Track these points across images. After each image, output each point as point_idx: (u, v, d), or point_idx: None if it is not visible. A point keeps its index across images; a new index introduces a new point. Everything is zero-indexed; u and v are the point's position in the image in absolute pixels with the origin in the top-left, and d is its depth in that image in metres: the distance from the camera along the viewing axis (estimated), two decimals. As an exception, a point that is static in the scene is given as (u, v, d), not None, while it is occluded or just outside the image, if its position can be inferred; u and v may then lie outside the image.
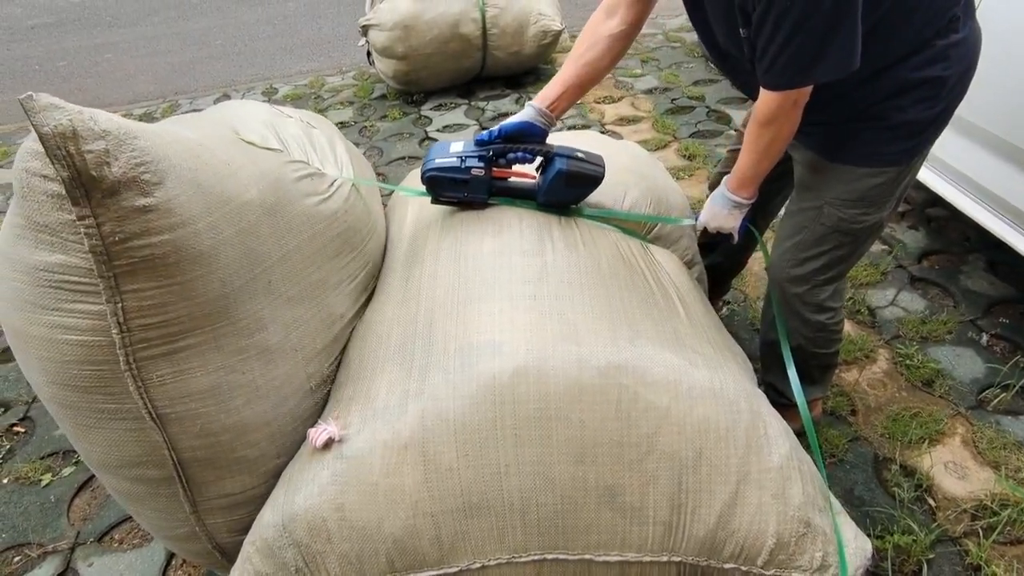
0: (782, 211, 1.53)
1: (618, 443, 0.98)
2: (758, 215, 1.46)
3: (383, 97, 3.84)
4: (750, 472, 0.98)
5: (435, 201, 1.34)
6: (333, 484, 0.97)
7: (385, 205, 1.67)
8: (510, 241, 1.23)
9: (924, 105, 1.14)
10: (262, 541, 0.99)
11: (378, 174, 2.98)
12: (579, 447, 0.97)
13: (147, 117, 3.92)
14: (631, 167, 1.55)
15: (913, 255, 2.24)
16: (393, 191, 1.78)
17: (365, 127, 3.52)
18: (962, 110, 1.97)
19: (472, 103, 3.68)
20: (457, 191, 1.30)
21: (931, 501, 1.48)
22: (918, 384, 1.76)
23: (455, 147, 1.29)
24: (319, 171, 1.28)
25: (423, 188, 1.33)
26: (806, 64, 1.02)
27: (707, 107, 3.39)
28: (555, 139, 1.60)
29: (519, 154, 1.28)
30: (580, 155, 1.28)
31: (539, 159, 1.31)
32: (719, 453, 0.98)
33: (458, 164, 1.26)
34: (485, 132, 1.29)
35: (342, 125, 3.53)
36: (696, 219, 1.38)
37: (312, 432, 1.03)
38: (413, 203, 1.54)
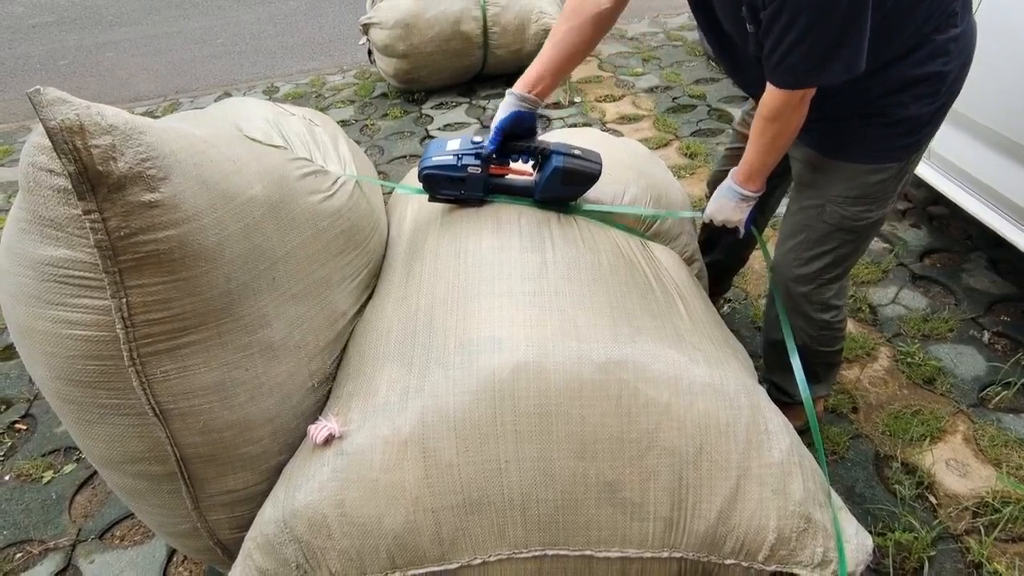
0: (781, 207, 1.53)
1: (618, 439, 0.98)
2: (757, 212, 1.46)
3: (384, 95, 3.84)
4: (751, 467, 0.98)
5: (432, 199, 1.34)
6: (334, 480, 0.98)
7: (386, 203, 1.68)
8: (510, 238, 1.23)
9: (925, 101, 1.14)
10: (263, 537, 0.99)
11: (379, 173, 2.98)
12: (579, 443, 0.97)
13: (148, 116, 3.91)
14: (631, 164, 1.55)
15: (915, 253, 2.24)
16: (393, 189, 1.78)
17: (366, 126, 3.52)
18: (963, 106, 1.96)
19: (473, 101, 3.68)
20: (454, 189, 1.30)
21: (932, 498, 1.48)
22: (919, 382, 1.76)
23: (452, 145, 1.29)
24: (322, 168, 1.28)
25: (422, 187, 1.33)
26: (816, 64, 1.01)
27: (708, 106, 3.39)
28: (554, 137, 1.60)
29: (516, 156, 1.29)
30: (577, 152, 1.28)
31: (536, 156, 1.31)
32: (720, 448, 0.99)
33: (454, 162, 1.26)
34: (488, 141, 1.26)
35: (343, 124, 3.53)
36: (702, 213, 1.38)
37: (312, 428, 1.04)
38: (413, 201, 1.54)
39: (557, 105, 3.56)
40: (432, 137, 3.32)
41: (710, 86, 3.60)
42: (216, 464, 1.04)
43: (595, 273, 1.18)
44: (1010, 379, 1.71)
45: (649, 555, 0.99)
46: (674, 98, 3.51)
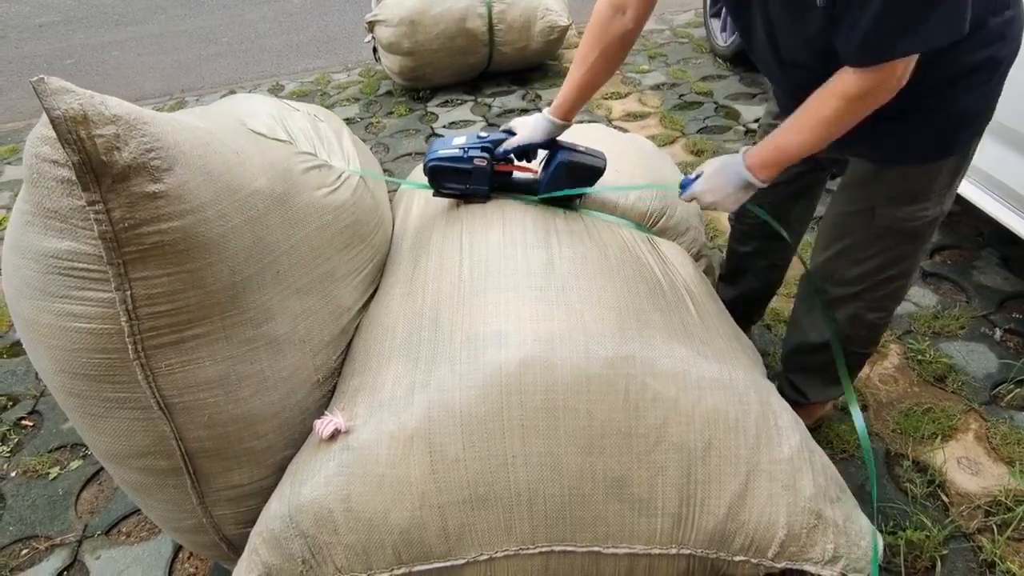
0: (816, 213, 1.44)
1: (626, 434, 0.97)
2: (784, 224, 1.36)
3: (389, 93, 3.84)
4: (760, 463, 0.97)
5: (437, 193, 1.34)
6: (339, 475, 0.97)
7: (390, 201, 1.67)
8: (515, 233, 1.22)
9: (981, 91, 1.05)
10: (269, 532, 0.99)
11: (384, 170, 2.97)
12: (587, 438, 0.96)
13: (155, 114, 3.93)
14: (638, 160, 1.55)
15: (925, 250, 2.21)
16: (399, 187, 1.78)
17: (371, 123, 3.52)
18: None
19: (478, 99, 3.67)
20: (459, 182, 1.29)
21: (944, 497, 1.46)
22: (930, 380, 1.74)
23: (458, 140, 1.30)
24: (327, 163, 1.27)
25: (427, 181, 1.32)
26: (913, 25, 0.86)
27: (715, 103, 3.37)
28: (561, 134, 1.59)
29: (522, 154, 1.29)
30: (581, 148, 1.29)
31: (541, 153, 1.32)
32: (728, 444, 0.97)
33: (461, 154, 1.26)
34: (513, 147, 1.28)
35: (348, 121, 3.53)
36: (683, 188, 1.23)
37: (318, 423, 1.03)
38: (418, 197, 1.53)
39: (562, 102, 3.54)
40: (437, 135, 3.31)
41: (717, 83, 3.58)
42: (221, 459, 1.03)
43: (602, 268, 1.17)
44: (1022, 377, 1.69)
45: (657, 551, 0.98)
46: (680, 95, 3.49)
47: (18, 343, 2.17)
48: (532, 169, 1.36)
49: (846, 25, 0.90)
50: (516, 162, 1.34)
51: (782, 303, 1.97)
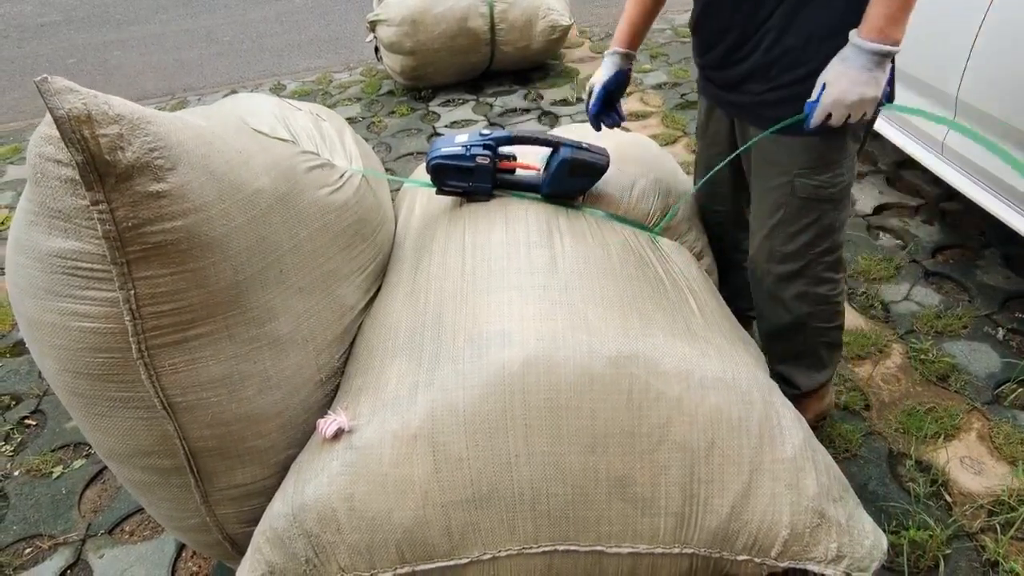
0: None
1: (629, 433, 0.97)
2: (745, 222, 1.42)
3: (391, 93, 3.84)
4: (763, 462, 0.97)
5: (439, 192, 1.34)
6: (343, 474, 0.97)
7: (393, 200, 1.67)
8: (518, 232, 1.22)
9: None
10: (272, 531, 0.99)
11: (387, 170, 2.97)
12: (590, 437, 0.96)
13: (156, 114, 3.93)
14: (640, 158, 1.54)
15: (927, 250, 2.21)
16: (401, 186, 1.78)
17: (373, 123, 3.52)
18: (977, 100, 1.93)
19: (480, 99, 3.67)
20: (462, 180, 1.30)
21: (947, 496, 1.46)
22: (933, 379, 1.74)
23: (460, 138, 1.30)
24: (329, 162, 1.27)
25: (429, 180, 1.33)
26: None
27: (717, 102, 3.36)
28: (563, 131, 1.59)
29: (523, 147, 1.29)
30: (584, 145, 1.29)
31: (544, 151, 1.31)
32: (732, 443, 0.97)
33: (464, 152, 1.26)
34: (592, 104, 1.40)
35: (350, 121, 3.53)
36: (809, 116, 1.09)
37: (321, 422, 1.03)
38: (421, 196, 1.53)
39: (565, 102, 3.54)
40: (439, 134, 3.31)
41: (718, 82, 3.58)
42: (224, 458, 1.03)
43: (605, 267, 1.17)
44: (1026, 376, 1.69)
45: (660, 551, 0.98)
46: (682, 95, 3.49)
47: (21, 342, 2.18)
48: (535, 167, 1.36)
49: None
50: (519, 159, 1.34)
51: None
